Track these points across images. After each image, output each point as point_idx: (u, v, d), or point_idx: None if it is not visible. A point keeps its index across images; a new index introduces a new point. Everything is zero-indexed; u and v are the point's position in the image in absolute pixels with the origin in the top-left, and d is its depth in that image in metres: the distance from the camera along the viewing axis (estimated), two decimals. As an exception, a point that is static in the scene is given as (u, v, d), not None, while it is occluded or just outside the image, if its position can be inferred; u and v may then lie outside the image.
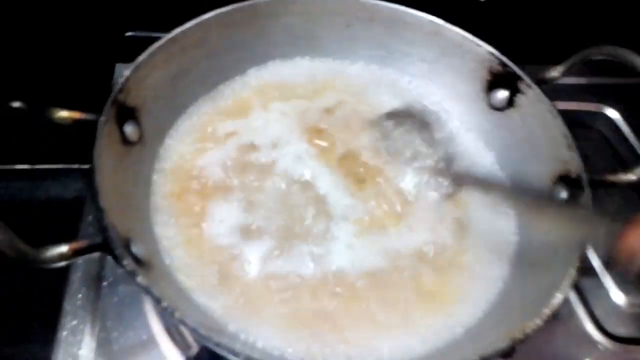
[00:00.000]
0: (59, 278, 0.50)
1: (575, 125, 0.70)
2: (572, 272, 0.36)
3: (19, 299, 0.53)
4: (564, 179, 0.44)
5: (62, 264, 0.34)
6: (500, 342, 0.33)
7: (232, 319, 0.39)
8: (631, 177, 0.43)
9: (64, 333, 0.46)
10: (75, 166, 0.70)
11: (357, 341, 0.40)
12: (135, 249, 0.37)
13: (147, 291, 0.32)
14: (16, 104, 0.38)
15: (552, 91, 0.71)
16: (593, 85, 0.73)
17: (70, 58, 0.67)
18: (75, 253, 0.34)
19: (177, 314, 0.31)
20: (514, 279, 0.42)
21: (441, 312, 0.41)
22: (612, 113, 0.70)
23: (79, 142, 0.63)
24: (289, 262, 0.43)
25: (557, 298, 0.35)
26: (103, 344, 0.46)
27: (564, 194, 0.43)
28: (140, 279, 0.33)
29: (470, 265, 0.44)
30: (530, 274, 0.42)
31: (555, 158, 0.45)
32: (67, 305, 0.48)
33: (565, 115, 0.70)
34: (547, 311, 0.34)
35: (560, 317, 0.52)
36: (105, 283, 0.49)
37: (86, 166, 0.71)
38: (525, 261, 0.43)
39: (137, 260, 0.36)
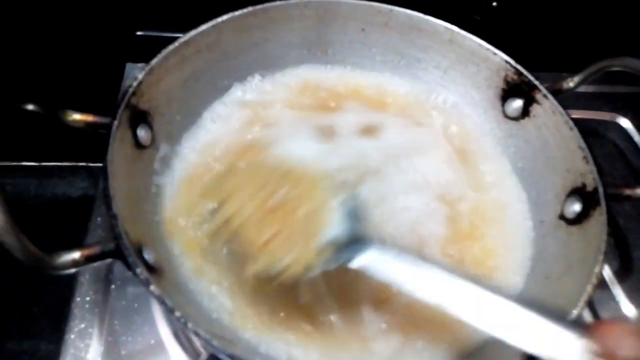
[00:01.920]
0: (68, 281, 0.49)
1: (587, 134, 0.70)
2: (588, 289, 0.35)
3: (28, 302, 0.52)
4: (579, 192, 0.43)
5: (74, 270, 0.34)
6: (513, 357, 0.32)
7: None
8: (648, 191, 0.42)
9: (72, 336, 0.46)
10: (82, 164, 0.70)
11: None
12: (147, 255, 0.37)
13: (160, 301, 0.32)
14: (30, 107, 0.38)
15: (564, 98, 0.71)
16: (606, 94, 0.73)
17: (81, 57, 0.67)
18: (88, 259, 0.34)
19: (190, 325, 0.31)
20: (528, 291, 0.42)
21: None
22: (626, 123, 0.69)
23: (86, 140, 0.63)
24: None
25: (572, 315, 0.34)
26: (110, 348, 0.46)
27: (577, 207, 0.43)
28: (153, 288, 0.32)
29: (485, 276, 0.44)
30: (544, 287, 0.41)
31: (570, 170, 0.45)
32: (75, 309, 0.48)
33: (577, 123, 0.71)
34: (563, 328, 0.33)
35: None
36: (113, 286, 0.49)
37: (93, 164, 0.71)
38: (540, 274, 0.43)
39: (149, 267, 0.35)
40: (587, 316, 0.53)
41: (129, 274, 0.49)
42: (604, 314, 0.54)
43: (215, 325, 0.39)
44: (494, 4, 0.77)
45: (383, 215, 0.45)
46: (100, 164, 0.52)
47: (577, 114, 0.70)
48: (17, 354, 0.50)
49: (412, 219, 0.46)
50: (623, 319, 0.53)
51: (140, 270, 0.33)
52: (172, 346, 0.46)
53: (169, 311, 0.32)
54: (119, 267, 0.50)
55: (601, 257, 0.37)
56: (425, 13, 0.54)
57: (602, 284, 0.55)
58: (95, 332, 0.46)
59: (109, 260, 0.35)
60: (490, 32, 0.54)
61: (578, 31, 0.74)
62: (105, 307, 0.48)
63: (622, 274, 0.56)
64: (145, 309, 0.48)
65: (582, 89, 0.72)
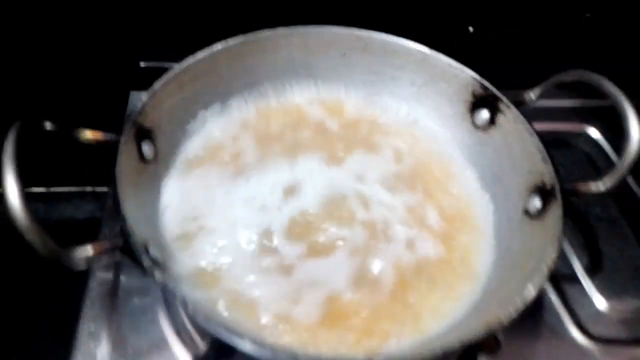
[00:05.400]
0: (78, 286, 0.54)
1: (559, 144, 0.76)
2: (543, 268, 0.40)
3: (40, 305, 0.57)
4: (539, 189, 0.48)
5: (87, 264, 0.38)
6: (479, 330, 0.37)
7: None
8: (600, 187, 0.47)
9: (82, 337, 0.50)
10: (89, 189, 0.75)
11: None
12: (152, 251, 0.41)
13: (164, 285, 0.36)
14: (48, 125, 0.43)
15: (538, 113, 0.77)
16: (577, 107, 0.78)
17: (88, 86, 0.72)
18: (99, 253, 0.38)
19: (190, 305, 0.35)
20: (496, 279, 0.46)
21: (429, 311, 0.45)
22: (594, 133, 0.74)
23: (92, 166, 0.68)
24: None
25: (530, 291, 0.39)
26: (118, 347, 0.50)
27: (538, 203, 0.48)
28: (158, 274, 0.37)
29: (455, 268, 0.48)
30: (509, 275, 0.45)
31: (532, 171, 0.49)
32: (86, 311, 0.52)
33: (551, 135, 0.76)
34: (520, 303, 0.38)
35: (545, 321, 0.56)
36: (120, 293, 0.53)
37: (99, 189, 0.76)
38: (507, 265, 0.47)
39: (154, 262, 0.40)
40: (562, 311, 0.57)
41: (135, 282, 0.54)
42: (577, 307, 0.57)
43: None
44: (470, 29, 0.84)
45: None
46: (106, 188, 0.57)
47: (550, 127, 0.76)
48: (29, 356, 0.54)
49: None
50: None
51: (146, 260, 0.37)
52: (175, 343, 0.50)
53: (172, 294, 0.36)
54: (126, 275, 0.55)
55: (557, 242, 0.42)
56: (408, 38, 0.60)
57: (574, 279, 0.60)
58: (103, 332, 0.50)
59: (118, 259, 0.40)
60: (466, 56, 0.60)
61: (546, 53, 0.80)
62: (113, 310, 0.52)
63: (592, 270, 0.60)
64: (150, 312, 0.52)
65: (555, 104, 0.79)
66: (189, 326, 0.50)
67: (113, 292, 0.53)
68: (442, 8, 0.77)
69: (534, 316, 0.56)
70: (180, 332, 0.50)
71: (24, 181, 0.37)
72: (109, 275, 0.53)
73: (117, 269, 0.53)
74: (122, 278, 0.54)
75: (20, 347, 0.54)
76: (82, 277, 0.54)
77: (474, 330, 0.37)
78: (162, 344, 0.50)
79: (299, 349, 0.36)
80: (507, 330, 0.53)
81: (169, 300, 0.52)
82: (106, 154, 0.56)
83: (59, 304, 0.56)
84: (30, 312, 0.56)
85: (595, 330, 0.55)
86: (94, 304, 0.52)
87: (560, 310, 0.56)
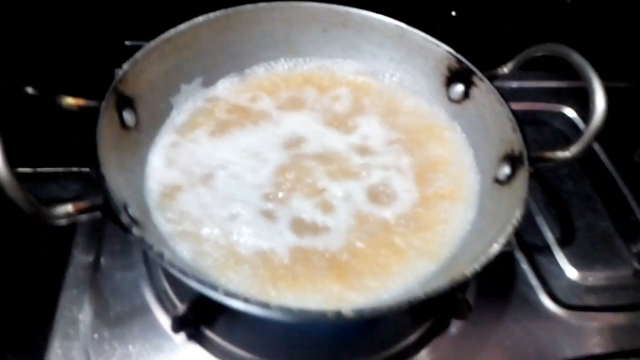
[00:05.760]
0: (61, 251, 0.55)
1: (537, 123, 0.78)
2: (508, 228, 0.42)
3: (25, 270, 0.58)
4: (509, 157, 0.50)
5: (67, 220, 0.40)
6: (445, 283, 0.38)
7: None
8: (567, 154, 0.49)
9: (65, 300, 0.51)
10: (75, 169, 0.75)
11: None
12: (131, 211, 0.42)
13: (142, 240, 0.38)
14: (30, 90, 0.44)
15: (517, 93, 0.79)
16: (553, 88, 0.80)
17: (75, 64, 0.73)
18: (79, 211, 0.40)
19: (166, 257, 0.37)
20: (468, 242, 0.48)
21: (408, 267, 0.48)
22: (570, 112, 0.77)
23: (78, 147, 0.69)
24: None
25: (494, 248, 0.40)
26: (100, 311, 0.51)
27: (507, 170, 0.49)
28: (135, 230, 0.38)
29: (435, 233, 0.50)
30: (480, 237, 0.47)
31: (503, 139, 0.51)
32: (69, 277, 0.53)
33: (529, 114, 0.78)
34: (484, 259, 0.39)
35: (518, 290, 0.58)
36: (102, 259, 0.55)
37: (85, 169, 0.77)
38: (478, 228, 0.49)
39: (133, 220, 0.41)
40: (534, 280, 0.59)
41: (117, 247, 0.56)
42: (549, 277, 0.59)
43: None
44: (453, 13, 0.85)
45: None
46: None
47: (528, 106, 0.78)
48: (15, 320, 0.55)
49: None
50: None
51: (124, 217, 0.39)
52: (154, 306, 0.51)
53: (148, 247, 0.37)
54: (108, 240, 0.56)
55: (523, 204, 0.44)
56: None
57: (547, 251, 0.62)
58: (86, 297, 0.51)
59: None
60: (449, 38, 0.61)
61: (527, 36, 0.82)
62: (96, 276, 0.53)
63: (564, 242, 0.62)
64: (130, 277, 0.53)
65: (533, 84, 0.81)
66: (169, 291, 0.52)
67: (95, 257, 0.54)
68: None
69: (507, 285, 0.58)
70: (160, 296, 0.52)
71: (12, 162, 0.38)
72: (92, 240, 0.55)
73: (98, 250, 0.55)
74: (105, 242, 0.55)
75: (4, 314, 0.55)
76: (64, 253, 0.55)
77: (442, 284, 0.38)
78: (142, 308, 0.51)
79: (271, 300, 0.37)
80: (480, 298, 0.56)
81: (149, 264, 0.54)
82: (91, 132, 0.57)
83: (42, 270, 0.57)
84: (16, 276, 0.58)
85: (566, 298, 0.57)
86: (76, 269, 0.54)
87: (533, 280, 0.59)
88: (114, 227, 0.56)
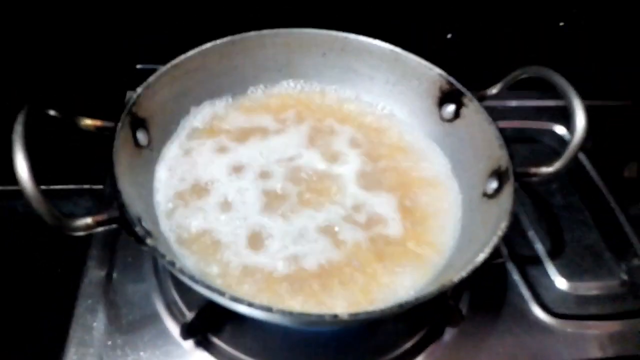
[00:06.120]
0: (77, 265, 0.58)
1: (529, 140, 0.81)
2: (494, 239, 0.45)
3: (44, 282, 0.61)
4: (496, 172, 0.53)
5: (86, 232, 0.43)
6: (434, 289, 0.41)
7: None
8: (550, 169, 0.52)
9: (80, 309, 0.55)
10: (87, 186, 0.79)
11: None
12: (144, 224, 0.46)
13: (155, 249, 0.41)
14: (51, 112, 0.48)
15: (509, 112, 0.83)
16: (544, 107, 0.84)
17: (89, 87, 0.77)
18: (98, 224, 0.43)
19: (177, 265, 0.40)
20: (457, 252, 0.51)
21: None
22: (560, 129, 0.80)
23: (89, 165, 0.73)
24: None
25: (480, 257, 0.43)
26: (113, 319, 0.54)
27: (495, 184, 0.52)
28: (149, 240, 0.42)
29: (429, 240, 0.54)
30: (468, 247, 0.50)
31: (491, 156, 0.54)
32: (84, 288, 0.56)
33: (520, 132, 0.81)
34: (471, 266, 0.42)
35: (510, 300, 0.60)
36: (115, 271, 0.58)
37: (96, 187, 0.81)
38: (466, 239, 0.52)
39: (146, 231, 0.45)
40: (525, 290, 0.61)
41: (129, 260, 0.59)
42: (539, 287, 0.62)
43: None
44: (449, 36, 0.89)
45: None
46: (102, 186, 0.62)
47: (520, 124, 0.82)
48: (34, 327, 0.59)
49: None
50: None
51: (139, 228, 0.42)
52: (164, 315, 0.54)
53: (161, 256, 0.41)
54: (120, 254, 0.59)
55: (509, 215, 0.47)
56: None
57: (537, 262, 0.65)
58: (100, 307, 0.55)
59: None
60: (445, 60, 0.64)
61: (517, 57, 0.86)
62: (109, 287, 0.56)
63: (554, 253, 0.65)
64: (142, 287, 0.56)
65: (525, 103, 0.85)
66: (178, 301, 0.55)
67: (109, 269, 0.58)
68: (425, 18, 0.83)
69: (499, 295, 0.61)
70: (170, 305, 0.55)
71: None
72: (105, 253, 0.58)
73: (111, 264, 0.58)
74: (117, 257, 0.59)
75: (25, 323, 0.59)
76: (79, 266, 0.59)
77: (431, 289, 0.41)
78: (152, 316, 0.54)
79: (273, 304, 0.40)
80: (474, 307, 0.58)
81: (159, 276, 0.57)
82: (102, 152, 0.61)
83: (59, 281, 0.60)
84: (34, 290, 0.61)
85: (556, 307, 0.60)
86: (91, 280, 0.57)
87: (524, 290, 0.61)
88: (126, 242, 0.60)
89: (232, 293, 0.39)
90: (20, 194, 0.71)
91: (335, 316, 0.38)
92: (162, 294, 0.56)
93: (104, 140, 0.52)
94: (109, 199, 0.63)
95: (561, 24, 0.87)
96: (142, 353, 0.51)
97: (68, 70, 0.77)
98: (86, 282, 0.57)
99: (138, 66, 0.80)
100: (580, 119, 0.51)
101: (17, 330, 0.59)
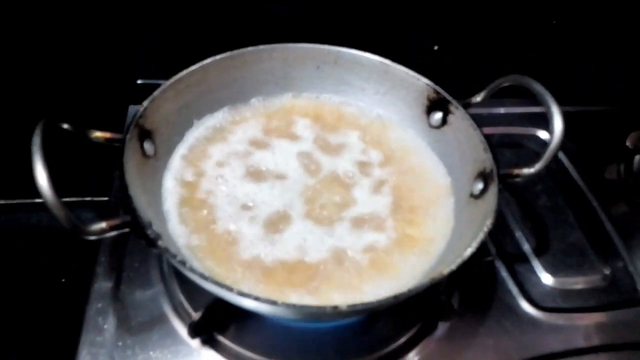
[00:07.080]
0: (87, 269, 0.61)
1: (514, 145, 0.85)
2: (480, 235, 0.48)
3: (56, 287, 0.64)
4: (482, 174, 0.57)
5: (100, 236, 0.46)
6: (424, 282, 0.45)
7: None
8: (531, 170, 0.56)
9: (91, 312, 0.57)
10: (88, 199, 0.82)
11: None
12: (155, 227, 0.49)
13: (166, 250, 0.44)
14: (65, 126, 0.51)
15: (495, 118, 0.86)
16: (528, 113, 0.88)
17: (92, 100, 0.80)
18: (111, 228, 0.46)
19: (187, 264, 0.43)
20: (447, 250, 0.55)
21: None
22: (543, 134, 0.84)
23: (91, 178, 0.76)
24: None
25: (468, 251, 0.47)
26: (123, 321, 0.57)
27: (481, 186, 0.56)
28: (160, 242, 0.45)
29: (420, 242, 0.57)
30: (457, 245, 0.54)
31: (477, 159, 0.58)
32: (94, 291, 0.59)
33: (507, 137, 0.85)
34: (459, 260, 0.46)
35: (498, 296, 0.64)
36: (124, 275, 0.61)
37: (98, 198, 0.84)
38: (455, 237, 0.56)
39: (157, 234, 0.48)
40: (513, 286, 0.65)
41: (137, 265, 0.62)
42: (526, 283, 0.66)
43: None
44: (435, 48, 0.94)
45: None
46: (105, 198, 0.65)
47: (506, 130, 0.86)
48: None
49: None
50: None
51: (150, 232, 0.45)
52: (171, 316, 0.57)
53: (171, 256, 0.44)
54: (128, 260, 0.62)
55: (493, 213, 0.50)
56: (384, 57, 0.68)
57: (524, 259, 0.68)
58: (110, 309, 0.57)
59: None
60: (432, 70, 0.68)
61: (501, 67, 0.90)
62: (119, 290, 0.59)
63: (539, 251, 0.69)
64: (150, 291, 0.59)
65: (510, 110, 0.89)
66: (185, 302, 0.58)
67: (118, 273, 0.60)
68: (413, 32, 0.87)
69: (488, 292, 0.64)
70: (177, 307, 0.58)
71: (31, 193, 0.44)
72: (114, 258, 0.61)
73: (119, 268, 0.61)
74: (126, 261, 0.62)
75: (39, 325, 0.61)
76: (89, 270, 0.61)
77: (423, 282, 0.45)
78: (160, 317, 0.57)
79: (278, 298, 0.43)
80: (465, 303, 0.62)
81: (166, 280, 0.60)
82: (103, 165, 0.64)
83: (70, 289, 0.63)
84: (47, 295, 0.64)
85: (542, 301, 0.64)
86: (101, 283, 0.60)
87: (512, 286, 0.65)
88: (133, 249, 0.63)
89: (239, 289, 0.42)
90: (28, 206, 0.75)
91: (336, 307, 0.41)
92: (169, 297, 0.59)
93: (106, 153, 0.55)
94: (115, 209, 0.67)
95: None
96: (151, 352, 0.54)
97: (72, 86, 0.80)
98: (96, 287, 0.59)
99: (139, 81, 0.84)
100: (557, 123, 0.54)
101: (28, 336, 0.62)
